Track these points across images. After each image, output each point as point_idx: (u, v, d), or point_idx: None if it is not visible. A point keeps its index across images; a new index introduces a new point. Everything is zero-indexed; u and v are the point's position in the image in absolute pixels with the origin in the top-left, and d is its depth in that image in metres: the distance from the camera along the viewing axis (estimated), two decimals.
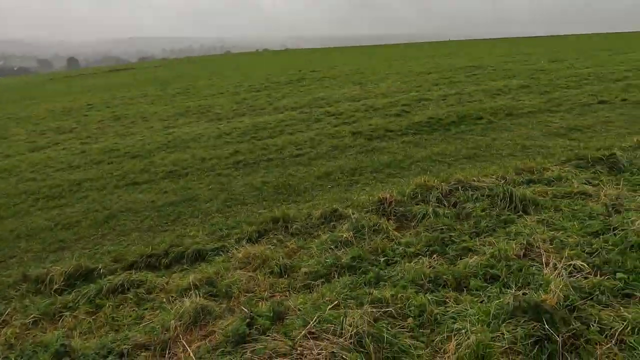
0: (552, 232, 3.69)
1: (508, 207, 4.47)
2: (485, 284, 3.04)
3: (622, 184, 4.61)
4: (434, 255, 3.60)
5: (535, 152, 6.70)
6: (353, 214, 4.57)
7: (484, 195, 4.83)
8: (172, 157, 8.35)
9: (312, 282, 3.39)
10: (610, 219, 3.84)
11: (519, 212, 4.36)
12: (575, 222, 3.86)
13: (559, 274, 2.93)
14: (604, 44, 27.43)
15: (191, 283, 3.45)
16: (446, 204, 4.81)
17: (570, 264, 3.04)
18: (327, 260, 3.65)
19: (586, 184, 4.86)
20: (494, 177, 5.42)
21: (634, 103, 9.25)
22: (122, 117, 13.95)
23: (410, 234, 4.18)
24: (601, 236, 3.54)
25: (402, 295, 2.91)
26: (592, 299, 2.71)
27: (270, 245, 4.16)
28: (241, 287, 3.41)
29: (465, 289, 3.03)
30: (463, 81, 14.67)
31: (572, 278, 2.89)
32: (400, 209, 4.76)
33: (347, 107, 11.83)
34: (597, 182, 4.86)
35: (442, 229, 4.14)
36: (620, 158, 5.44)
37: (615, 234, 3.53)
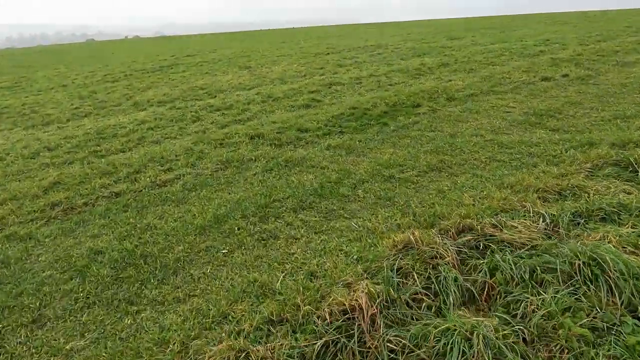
0: None
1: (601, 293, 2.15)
2: None
3: None
4: None
5: (524, 153, 4.61)
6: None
7: (541, 268, 2.43)
8: None
9: None
10: None
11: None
12: None
13: None
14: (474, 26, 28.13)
15: None
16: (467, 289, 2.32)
17: None
18: None
19: None
20: (520, 212, 3.10)
21: (579, 79, 7.90)
22: None
23: None
24: None
25: None
26: None
27: None
28: None
29: None
30: (369, 61, 12.57)
31: None
32: (387, 321, 2.17)
33: (236, 97, 8.82)
34: None
35: None
36: None
37: None
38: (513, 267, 2.43)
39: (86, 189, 4.67)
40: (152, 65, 16.60)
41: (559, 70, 8.67)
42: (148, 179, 4.83)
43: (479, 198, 3.60)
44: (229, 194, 4.28)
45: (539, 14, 41.92)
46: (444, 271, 2.44)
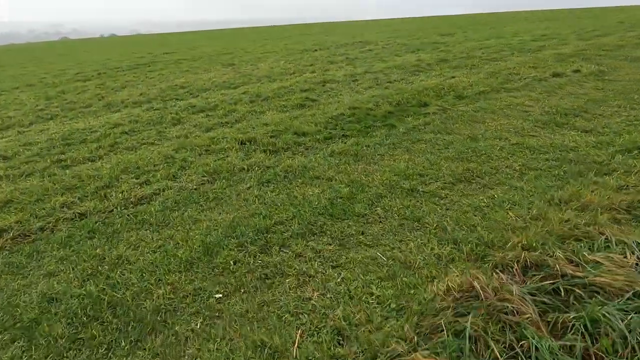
0: None
1: None
2: None
3: None
4: None
5: (562, 160, 3.99)
6: None
7: None
8: None
9: None
10: None
11: None
12: None
13: None
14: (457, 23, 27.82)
15: None
16: None
17: None
18: None
19: None
20: (597, 240, 2.47)
21: (593, 75, 7.37)
22: None
23: None
24: None
25: None
26: None
27: None
28: None
29: None
30: (362, 57, 11.91)
31: None
32: None
33: (221, 97, 8.02)
34: None
35: None
36: None
37: None
38: (622, 326, 1.77)
39: (44, 208, 3.85)
40: (128, 64, 15.59)
41: (568, 66, 8.15)
42: (120, 194, 4.03)
43: (530, 218, 2.95)
44: (220, 214, 3.53)
45: (521, 12, 42.04)
46: (530, 336, 1.77)
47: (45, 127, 6.98)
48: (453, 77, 8.02)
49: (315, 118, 5.96)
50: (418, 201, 3.45)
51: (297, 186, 3.93)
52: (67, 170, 4.83)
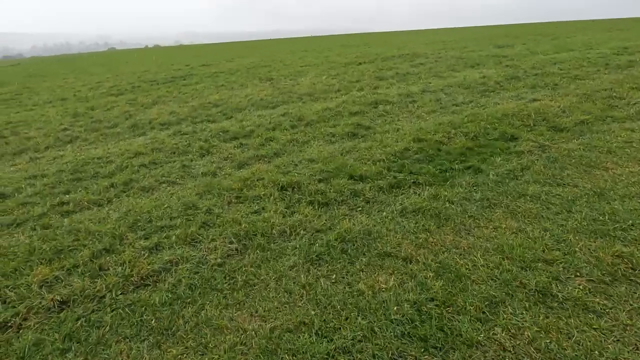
0: None
1: None
2: None
3: None
4: None
5: None
6: None
7: None
8: None
9: None
10: None
11: None
12: None
13: None
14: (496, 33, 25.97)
15: None
16: None
17: None
18: None
19: None
20: None
21: None
22: None
23: None
24: None
25: None
26: None
27: None
28: None
29: None
30: (413, 73, 10.65)
31: None
32: None
33: (257, 119, 6.98)
34: None
35: None
36: None
37: None
38: None
39: (18, 287, 2.84)
40: (164, 76, 15.00)
41: None
42: (120, 268, 2.97)
43: None
44: (252, 318, 2.39)
45: (575, 22, 39.44)
46: None
47: (60, 154, 6.14)
48: (535, 99, 6.63)
49: (372, 154, 4.77)
50: (560, 318, 2.17)
51: (362, 270, 2.73)
52: (65, 220, 3.85)
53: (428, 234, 3.09)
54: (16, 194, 4.63)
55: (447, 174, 4.13)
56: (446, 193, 3.69)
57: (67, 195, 4.44)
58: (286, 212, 3.61)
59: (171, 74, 15.73)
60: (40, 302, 2.67)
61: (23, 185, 4.85)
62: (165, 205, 3.96)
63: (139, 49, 57.05)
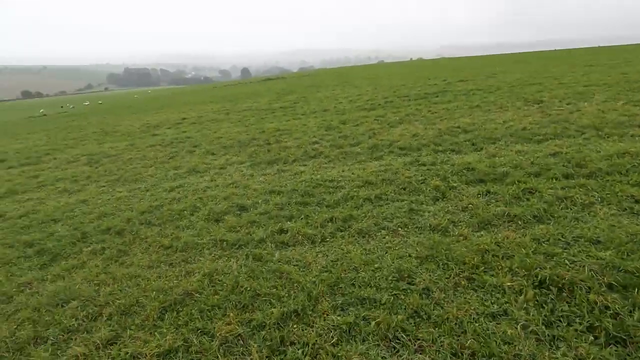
0: None
1: None
2: None
3: None
4: None
5: None
6: None
7: None
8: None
9: None
10: None
11: None
12: None
13: None
14: None
15: None
16: None
17: None
18: None
19: None
20: None
21: None
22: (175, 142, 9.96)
23: None
24: None
25: None
26: None
27: None
28: None
29: None
30: None
31: None
32: None
33: (514, 157, 5.50)
34: None
35: None
36: None
37: None
38: None
39: (200, 339, 2.59)
40: (417, 92, 14.66)
41: None
42: (300, 351, 2.37)
43: None
44: None
45: None
46: None
47: (301, 169, 6.29)
48: None
49: None
50: None
51: None
52: (276, 254, 3.59)
53: None
54: (251, 209, 4.80)
55: None
56: None
57: (289, 222, 4.27)
58: (544, 332, 2.28)
59: (425, 89, 15.28)
60: None
61: (260, 201, 5.02)
62: (376, 265, 3.21)
63: (401, 62, 60.10)
